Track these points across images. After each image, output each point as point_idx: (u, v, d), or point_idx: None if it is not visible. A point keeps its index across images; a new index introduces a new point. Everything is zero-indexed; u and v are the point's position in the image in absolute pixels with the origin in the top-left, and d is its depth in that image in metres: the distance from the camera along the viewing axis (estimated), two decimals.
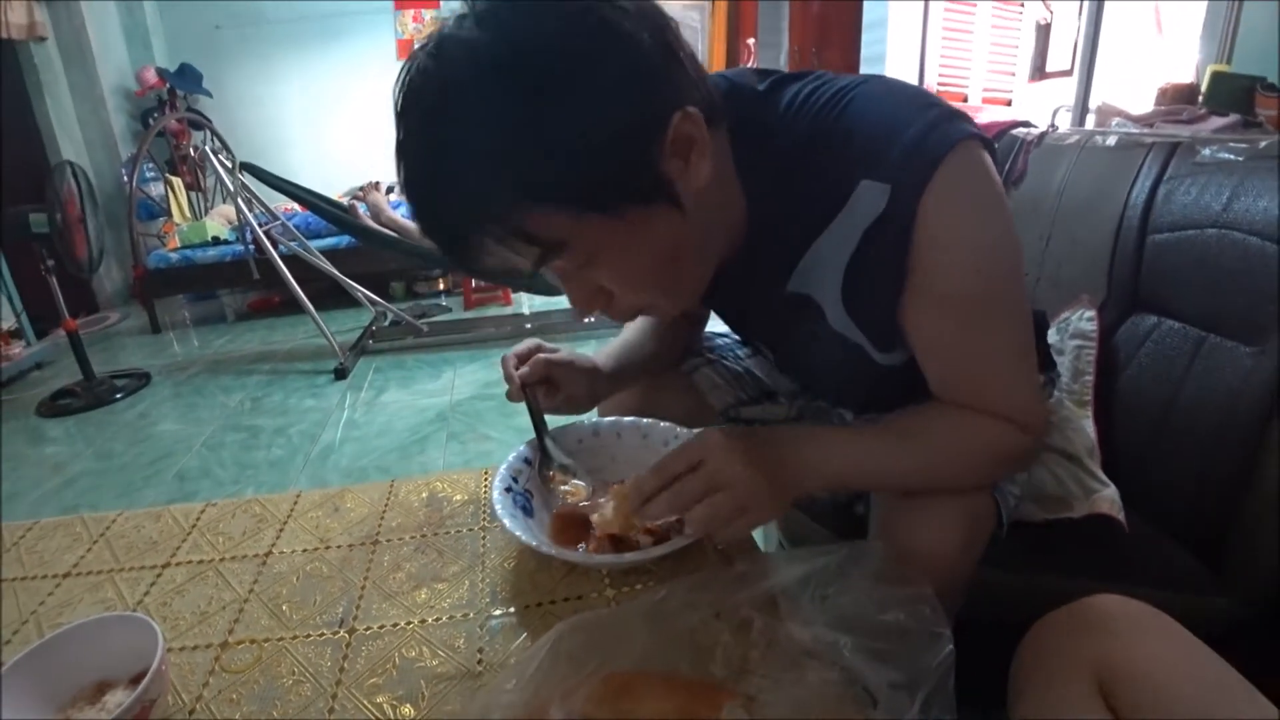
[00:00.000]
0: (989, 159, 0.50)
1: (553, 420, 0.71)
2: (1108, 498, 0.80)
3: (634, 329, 0.79)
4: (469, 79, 0.42)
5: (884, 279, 0.51)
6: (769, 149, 0.54)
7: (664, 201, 0.47)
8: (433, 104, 0.44)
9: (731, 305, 0.71)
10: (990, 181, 0.50)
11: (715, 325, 0.92)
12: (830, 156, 0.51)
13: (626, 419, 0.72)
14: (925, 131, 0.47)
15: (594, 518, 0.59)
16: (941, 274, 0.50)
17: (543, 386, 0.69)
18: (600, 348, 0.77)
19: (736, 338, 0.92)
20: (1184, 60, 1.96)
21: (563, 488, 0.65)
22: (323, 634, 0.57)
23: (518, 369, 0.69)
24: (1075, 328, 1.02)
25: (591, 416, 0.77)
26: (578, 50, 0.42)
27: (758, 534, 0.66)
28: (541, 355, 0.69)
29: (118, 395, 2.60)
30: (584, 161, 0.42)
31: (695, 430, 0.67)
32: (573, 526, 0.64)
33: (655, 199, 0.46)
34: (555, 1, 0.43)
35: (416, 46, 0.45)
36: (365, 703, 0.50)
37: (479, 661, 0.53)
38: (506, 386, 0.69)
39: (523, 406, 0.68)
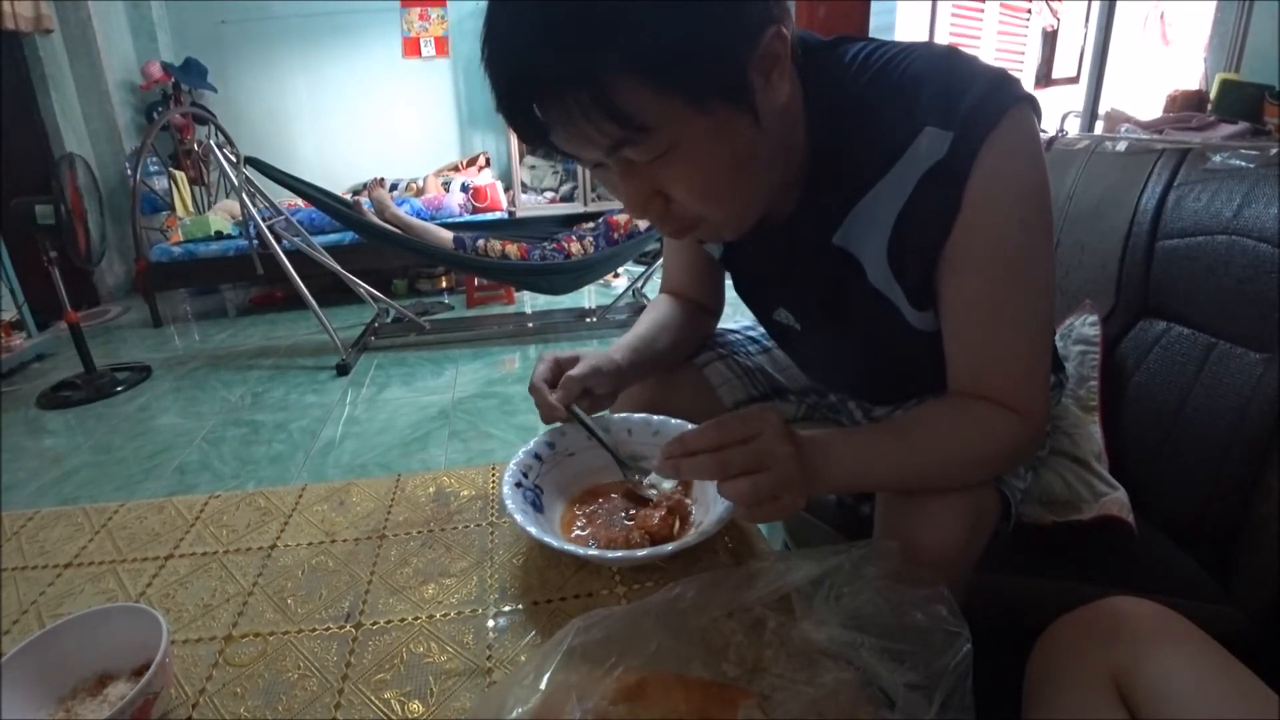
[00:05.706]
0: (1038, 125, 0.53)
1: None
2: (1117, 500, 0.80)
3: (647, 324, 0.78)
4: None
5: (932, 228, 0.53)
6: (836, 94, 0.56)
7: (746, 107, 0.48)
8: None
9: (772, 260, 0.69)
10: (1040, 146, 0.53)
11: (727, 322, 0.92)
12: (897, 103, 0.53)
13: (636, 415, 0.71)
14: (990, 89, 0.50)
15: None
16: (987, 227, 0.52)
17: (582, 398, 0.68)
18: (602, 347, 0.76)
19: (749, 334, 0.91)
20: (1190, 69, 1.96)
21: (650, 492, 0.65)
22: (329, 628, 0.56)
23: (552, 392, 0.67)
24: (1078, 333, 1.02)
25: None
26: None
27: (763, 531, 0.65)
28: (572, 374, 0.67)
29: (118, 388, 2.59)
30: (684, 38, 0.43)
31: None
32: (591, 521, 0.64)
33: (740, 101, 0.47)
34: None
35: None
36: (373, 698, 0.49)
37: (488, 657, 0.52)
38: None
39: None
